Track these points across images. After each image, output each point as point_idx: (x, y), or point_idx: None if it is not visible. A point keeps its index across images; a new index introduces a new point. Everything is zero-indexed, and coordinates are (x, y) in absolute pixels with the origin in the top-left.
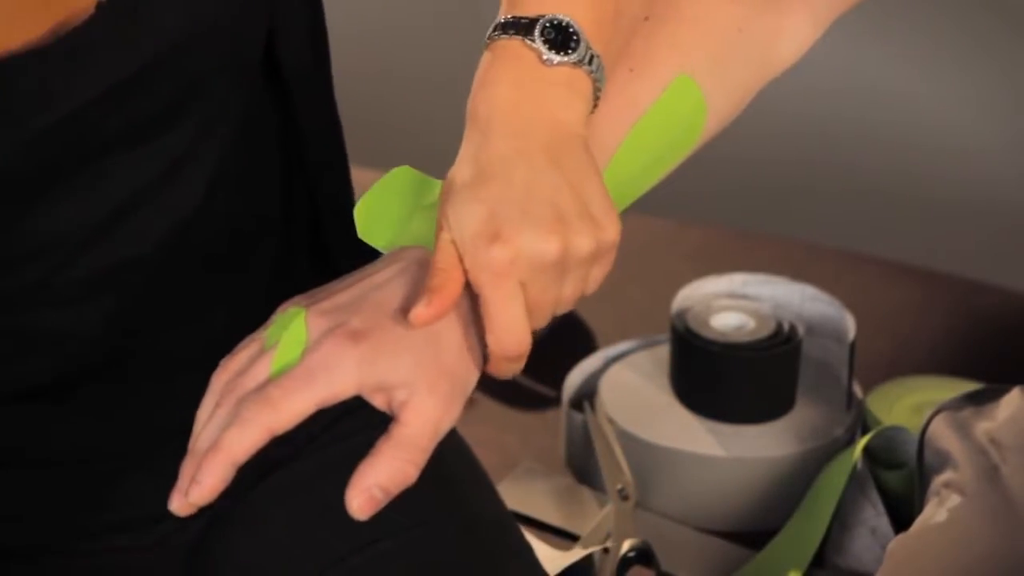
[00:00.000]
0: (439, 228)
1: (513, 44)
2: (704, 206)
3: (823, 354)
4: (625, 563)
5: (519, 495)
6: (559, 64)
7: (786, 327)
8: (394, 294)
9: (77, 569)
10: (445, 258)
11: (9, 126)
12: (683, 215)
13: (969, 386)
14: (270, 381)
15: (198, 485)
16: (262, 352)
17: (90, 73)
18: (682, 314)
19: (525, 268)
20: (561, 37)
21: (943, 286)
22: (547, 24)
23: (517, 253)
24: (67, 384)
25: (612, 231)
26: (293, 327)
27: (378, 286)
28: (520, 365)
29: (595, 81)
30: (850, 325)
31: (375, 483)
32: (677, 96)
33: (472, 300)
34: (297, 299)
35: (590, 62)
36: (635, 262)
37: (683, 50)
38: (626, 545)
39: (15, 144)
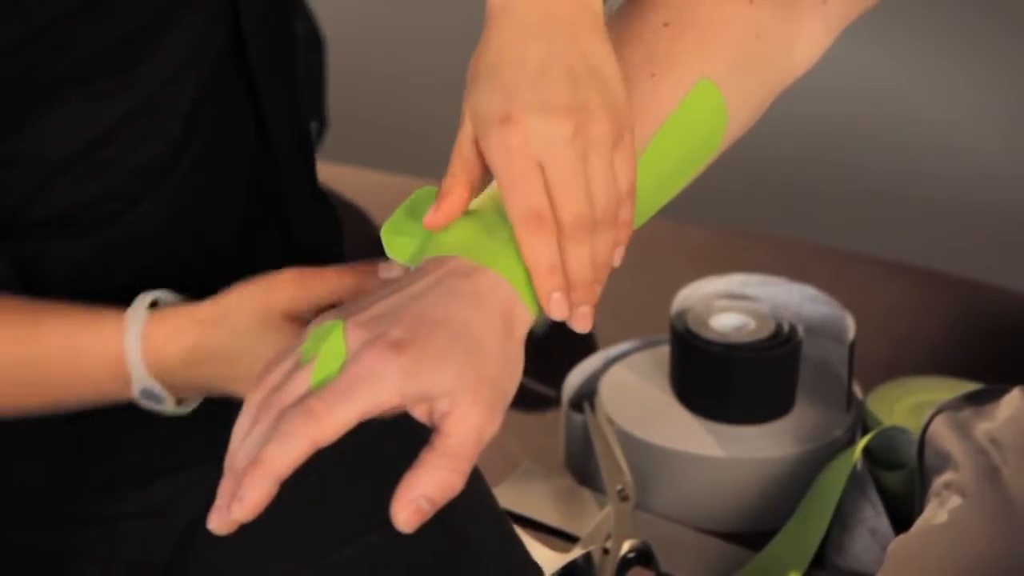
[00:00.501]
0: (461, 123)
1: None
2: (704, 206)
3: (823, 354)
4: (625, 564)
5: (519, 496)
6: None
7: (786, 327)
8: (433, 304)
9: (73, 540)
10: (459, 159)
11: None
12: (683, 215)
13: (969, 386)
14: (311, 394)
15: (240, 501)
16: (299, 366)
17: None
18: (682, 314)
19: (539, 148)
20: None
21: (943, 286)
22: None
23: (528, 132)
24: None
25: (626, 114)
26: (331, 339)
27: (416, 296)
28: (578, 295)
29: None
30: (850, 325)
31: (421, 494)
32: (699, 101)
33: (512, 307)
34: (332, 312)
35: None
36: (635, 262)
37: (704, 55)
38: (626, 546)
39: (7, 45)
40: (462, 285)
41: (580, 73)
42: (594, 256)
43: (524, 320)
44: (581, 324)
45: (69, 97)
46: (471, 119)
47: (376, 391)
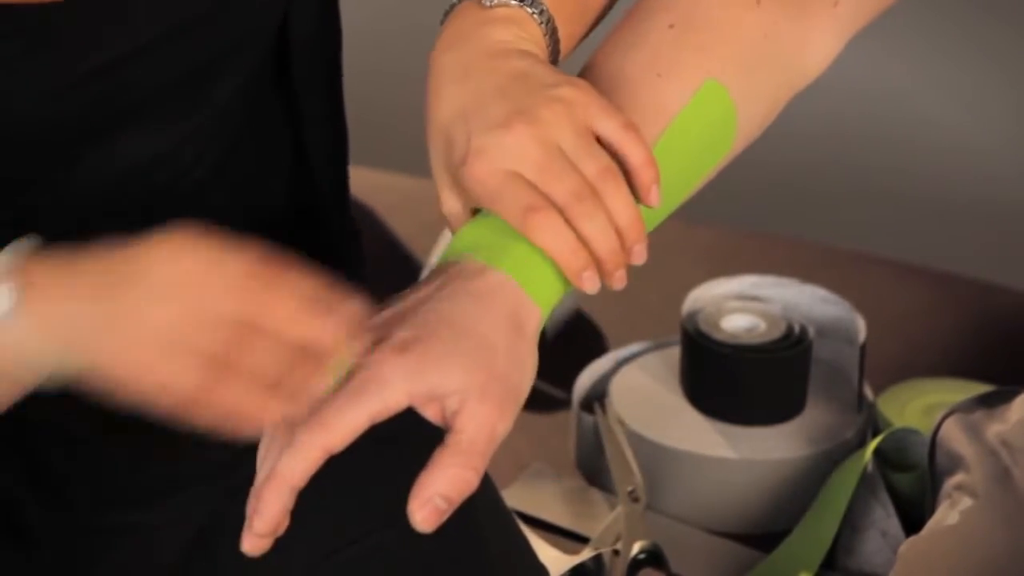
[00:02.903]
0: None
1: (462, 4)
2: (714, 207)
3: (834, 356)
4: (635, 565)
5: (529, 497)
6: (498, 4)
7: (796, 329)
8: (439, 305)
9: (86, 548)
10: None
11: (60, 65)
12: (693, 216)
13: (980, 388)
14: (321, 402)
15: (259, 515)
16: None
17: (147, 17)
18: (693, 316)
19: (503, 160)
20: None
21: (954, 288)
22: None
23: (488, 153)
24: None
25: (569, 87)
26: (340, 348)
27: (424, 299)
28: (609, 264)
29: (540, 24)
30: (861, 327)
31: (436, 492)
32: (706, 100)
33: (519, 305)
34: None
35: (532, 4)
36: (645, 263)
37: (710, 55)
38: (636, 547)
39: (64, 86)
40: (468, 285)
41: (509, 86)
42: (614, 219)
43: (534, 317)
44: (617, 284)
45: (125, 131)
46: (444, 178)
47: (382, 393)
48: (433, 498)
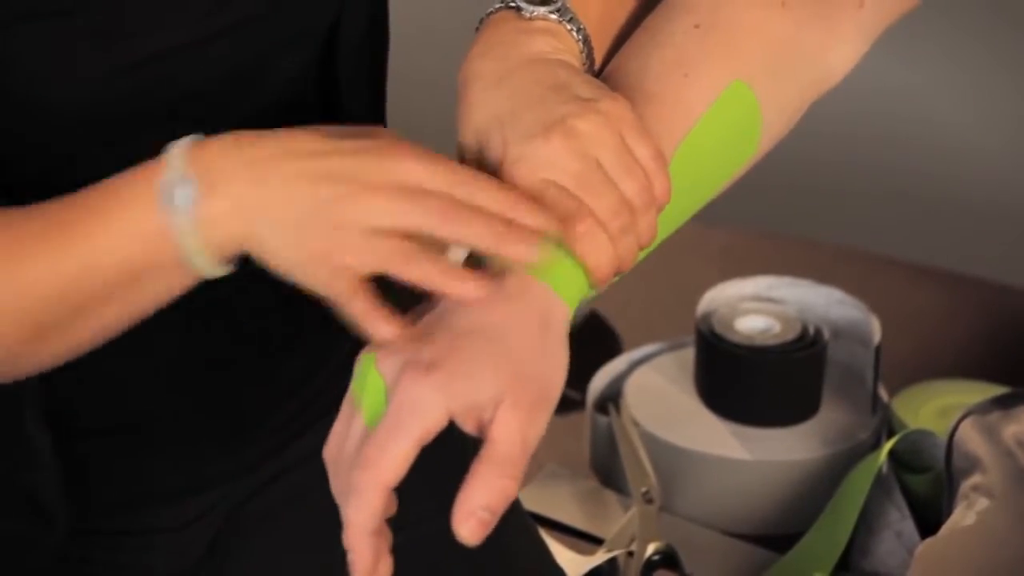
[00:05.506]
0: None
1: (499, 14)
2: (730, 208)
3: (848, 357)
4: (650, 566)
5: (543, 498)
6: (538, 16)
7: (811, 330)
8: (461, 316)
9: (104, 551)
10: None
11: (119, 49)
12: (709, 217)
13: (996, 390)
14: (366, 439)
15: (354, 567)
16: (354, 411)
17: (207, 8)
18: (707, 317)
19: (541, 170)
20: None
21: (969, 289)
22: None
23: (527, 161)
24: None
25: (608, 100)
26: (370, 376)
27: (444, 312)
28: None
29: (578, 41)
30: (876, 328)
31: (479, 505)
32: (732, 101)
33: (547, 302)
34: (370, 345)
35: (570, 21)
36: (660, 264)
37: (736, 56)
38: (651, 548)
39: (120, 70)
40: (496, 285)
41: (547, 95)
42: (639, 239)
43: (562, 313)
44: None
45: (172, 122)
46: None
47: (422, 418)
48: (476, 511)
